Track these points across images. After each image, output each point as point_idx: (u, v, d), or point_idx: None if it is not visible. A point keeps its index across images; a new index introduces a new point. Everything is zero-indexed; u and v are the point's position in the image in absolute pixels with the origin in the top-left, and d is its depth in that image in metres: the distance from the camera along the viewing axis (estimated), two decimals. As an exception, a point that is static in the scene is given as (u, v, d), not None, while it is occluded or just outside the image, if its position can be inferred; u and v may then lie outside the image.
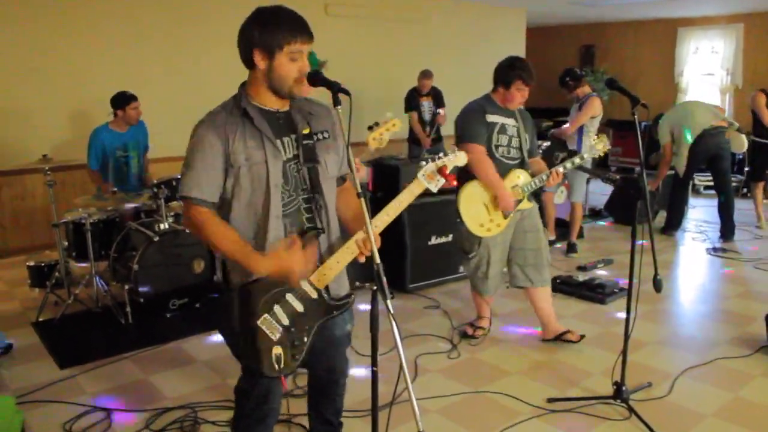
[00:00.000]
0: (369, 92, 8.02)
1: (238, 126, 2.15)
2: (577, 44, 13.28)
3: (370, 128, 4.36)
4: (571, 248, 6.43)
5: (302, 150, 2.24)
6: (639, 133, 3.21)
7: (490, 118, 3.94)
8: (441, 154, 2.24)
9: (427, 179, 2.21)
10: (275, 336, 2.17)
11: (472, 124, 3.95)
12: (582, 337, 4.18)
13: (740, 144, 7.04)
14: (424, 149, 8.02)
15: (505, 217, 3.95)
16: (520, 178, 3.98)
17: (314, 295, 2.23)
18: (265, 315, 2.16)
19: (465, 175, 3.94)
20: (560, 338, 4.22)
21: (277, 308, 2.18)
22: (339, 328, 2.44)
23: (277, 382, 2.34)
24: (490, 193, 3.92)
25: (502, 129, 3.96)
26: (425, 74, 7.94)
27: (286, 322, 2.18)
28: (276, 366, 2.18)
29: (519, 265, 4.16)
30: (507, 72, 3.93)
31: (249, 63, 2.18)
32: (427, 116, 8.11)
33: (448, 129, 8.38)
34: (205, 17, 7.48)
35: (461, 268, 4.33)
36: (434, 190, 2.24)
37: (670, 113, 7.11)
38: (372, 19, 9.13)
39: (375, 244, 2.05)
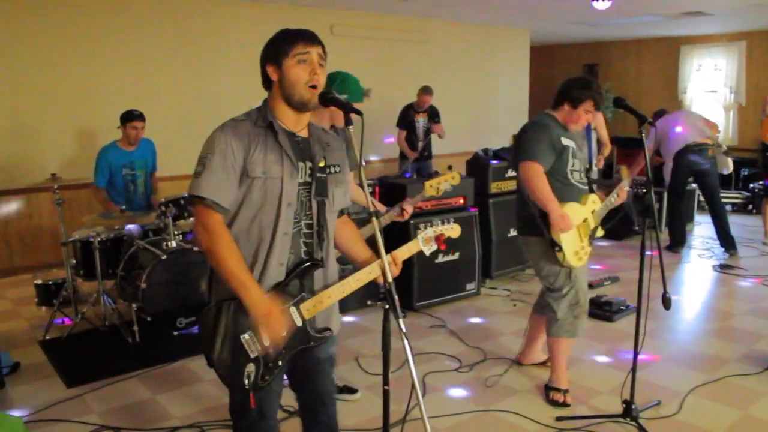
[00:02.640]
0: (373, 111, 8.01)
1: (261, 137, 2.15)
2: (581, 63, 13.35)
3: (430, 175, 4.38)
4: None
5: (315, 183, 2.23)
6: (646, 151, 3.22)
7: (565, 141, 3.58)
8: (438, 222, 2.37)
9: (423, 242, 2.38)
10: (253, 354, 2.16)
11: (539, 144, 3.53)
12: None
13: (725, 164, 7.09)
14: (409, 162, 8.04)
15: (590, 244, 3.63)
16: (596, 203, 3.66)
17: (299, 323, 2.22)
18: (250, 332, 2.16)
19: (529, 204, 3.63)
20: (543, 365, 4.14)
21: (262, 330, 2.17)
22: (322, 351, 2.40)
23: (270, 398, 2.32)
24: (580, 216, 3.58)
25: (574, 153, 3.62)
26: (426, 90, 7.92)
27: (267, 343, 2.17)
28: (245, 381, 2.17)
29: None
30: (580, 91, 3.57)
31: (266, 83, 2.21)
32: (420, 133, 8.07)
33: (438, 148, 8.46)
34: (213, 36, 7.55)
35: (555, 310, 3.71)
36: (426, 253, 2.41)
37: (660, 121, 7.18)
38: (377, 40, 9.20)
39: (388, 267, 2.06)
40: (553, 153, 3.53)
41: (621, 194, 3.68)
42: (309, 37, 2.17)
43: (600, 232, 3.72)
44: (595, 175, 5.82)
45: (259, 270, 2.17)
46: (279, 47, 2.15)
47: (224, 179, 2.11)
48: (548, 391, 3.77)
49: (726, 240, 7.04)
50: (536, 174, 3.49)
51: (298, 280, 2.21)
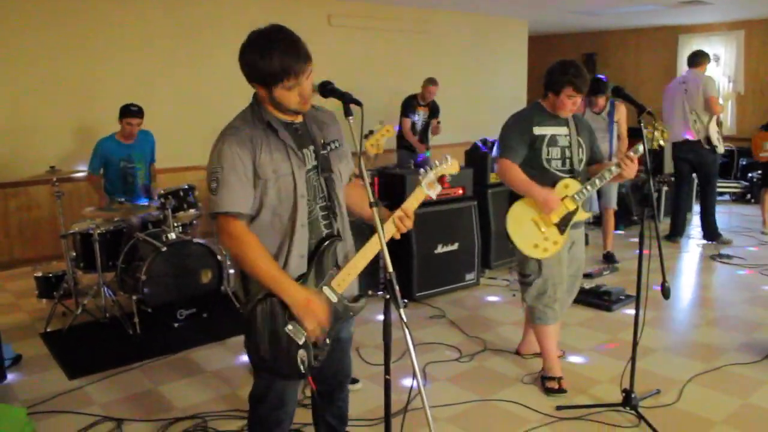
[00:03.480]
0: (372, 102, 7.97)
1: (263, 138, 2.18)
2: (579, 53, 13.30)
3: (366, 136, 4.39)
4: (610, 258, 6.38)
5: (320, 161, 2.29)
6: (645, 140, 3.22)
7: (538, 130, 3.60)
8: (436, 162, 2.36)
9: (427, 187, 2.35)
10: (301, 340, 2.24)
11: (510, 137, 3.64)
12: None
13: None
14: (418, 155, 7.95)
15: (562, 232, 3.58)
16: (568, 187, 3.58)
17: (334, 299, 2.29)
18: (293, 322, 2.23)
19: (515, 195, 3.68)
20: (538, 355, 4.08)
21: (306, 321, 2.24)
22: (344, 330, 2.51)
23: (292, 387, 2.40)
24: (537, 208, 3.57)
25: (552, 141, 3.61)
26: (433, 81, 7.81)
27: (318, 333, 2.26)
28: (302, 368, 2.26)
29: None
30: (558, 77, 3.55)
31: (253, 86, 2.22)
32: (420, 126, 7.99)
33: (437, 138, 8.43)
34: (212, 28, 7.52)
35: (524, 300, 3.82)
36: (433, 196, 2.38)
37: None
38: (374, 30, 9.18)
39: (387, 254, 2.07)
40: (524, 146, 3.61)
41: (627, 165, 3.39)
42: (299, 64, 2.09)
43: (582, 216, 3.64)
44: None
45: (282, 263, 2.23)
46: (266, 72, 2.08)
47: (239, 188, 2.15)
48: (543, 381, 3.80)
49: (705, 229, 7.12)
50: (508, 169, 3.62)
51: (322, 260, 2.28)
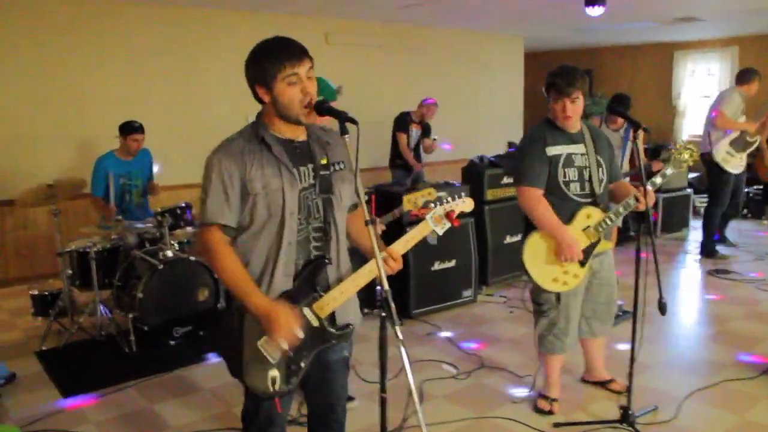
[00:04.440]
0: (368, 119, 7.99)
1: (256, 153, 2.17)
2: (575, 69, 13.39)
3: (408, 191, 4.28)
4: None
5: (319, 181, 2.25)
6: (640, 156, 3.23)
7: (551, 150, 3.33)
8: (449, 198, 2.26)
9: (434, 222, 2.27)
10: (274, 359, 2.19)
11: (526, 162, 3.37)
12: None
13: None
14: (414, 172, 7.93)
15: (583, 265, 3.37)
16: (590, 217, 3.36)
17: (315, 323, 2.24)
18: (266, 337, 2.18)
19: (531, 224, 3.44)
20: (603, 386, 3.93)
21: (272, 334, 2.19)
22: (335, 353, 2.42)
23: (283, 405, 2.35)
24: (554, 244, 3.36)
25: (568, 161, 3.34)
26: (436, 103, 7.80)
27: (285, 346, 2.19)
28: (271, 388, 2.20)
29: (585, 316, 3.65)
30: (545, 85, 3.34)
31: (257, 98, 2.22)
32: (412, 144, 7.92)
33: (434, 155, 8.43)
34: (209, 45, 7.56)
35: (535, 326, 3.65)
36: (440, 233, 2.29)
37: None
38: (371, 48, 9.23)
39: (384, 273, 2.07)
40: (544, 168, 3.35)
41: (649, 195, 3.23)
42: (295, 55, 2.13)
43: (606, 246, 3.46)
44: None
45: (267, 280, 2.21)
46: (265, 69, 2.12)
47: (223, 199, 2.16)
48: (537, 397, 3.77)
49: (701, 245, 7.14)
50: (532, 200, 3.36)
51: (308, 281, 2.24)
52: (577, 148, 3.39)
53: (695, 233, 8.30)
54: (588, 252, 3.38)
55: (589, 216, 3.36)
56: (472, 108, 10.68)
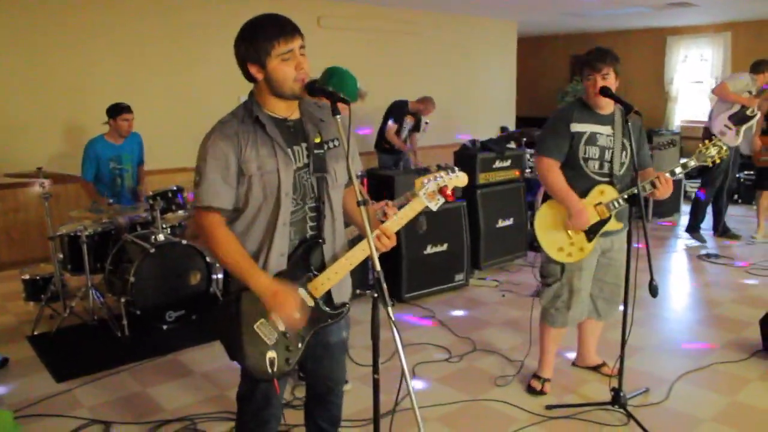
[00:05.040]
0: (359, 103, 8.00)
1: (250, 134, 2.16)
2: (568, 54, 13.38)
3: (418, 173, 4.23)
4: None
5: (313, 160, 2.24)
6: (632, 140, 3.23)
7: (576, 127, 3.42)
8: (442, 173, 2.23)
9: (428, 198, 2.24)
10: (271, 340, 2.21)
11: (548, 135, 3.51)
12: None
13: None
14: (404, 157, 7.96)
15: (590, 240, 3.44)
16: (604, 193, 3.42)
17: (311, 303, 2.25)
18: (263, 319, 2.20)
19: (547, 194, 3.55)
20: (595, 370, 3.99)
21: (274, 314, 2.20)
22: (334, 335, 2.45)
23: (279, 385, 2.36)
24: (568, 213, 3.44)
25: (591, 139, 3.42)
26: (433, 102, 7.87)
27: (282, 327, 2.21)
28: (269, 369, 2.21)
29: (592, 294, 3.69)
30: (580, 67, 3.47)
31: (249, 77, 2.20)
32: (404, 133, 7.93)
33: (427, 140, 8.45)
34: (201, 30, 7.50)
35: (540, 298, 3.72)
36: (434, 209, 2.27)
37: None
38: (364, 32, 9.18)
39: (376, 252, 2.06)
40: (565, 142, 3.43)
41: (663, 184, 3.28)
42: (288, 33, 2.12)
43: (615, 226, 3.46)
44: None
45: (261, 261, 2.22)
46: (258, 46, 2.11)
47: (219, 182, 2.15)
48: (531, 378, 3.81)
49: (689, 223, 7.28)
50: (548, 169, 3.46)
51: (302, 261, 2.24)
52: (604, 129, 3.45)
53: (687, 219, 8.33)
54: (596, 228, 3.43)
55: (602, 192, 3.43)
56: (465, 92, 10.66)
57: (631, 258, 3.30)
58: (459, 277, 5.63)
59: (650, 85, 12.12)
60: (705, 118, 7.05)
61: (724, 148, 3.41)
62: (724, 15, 10.56)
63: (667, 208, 8.32)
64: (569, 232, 3.45)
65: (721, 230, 7.40)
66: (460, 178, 2.28)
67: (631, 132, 3.26)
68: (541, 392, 3.70)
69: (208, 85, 7.41)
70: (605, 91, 3.34)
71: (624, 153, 3.45)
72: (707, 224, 7.44)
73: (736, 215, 8.39)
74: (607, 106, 3.45)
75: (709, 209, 7.29)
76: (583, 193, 3.43)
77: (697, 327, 4.78)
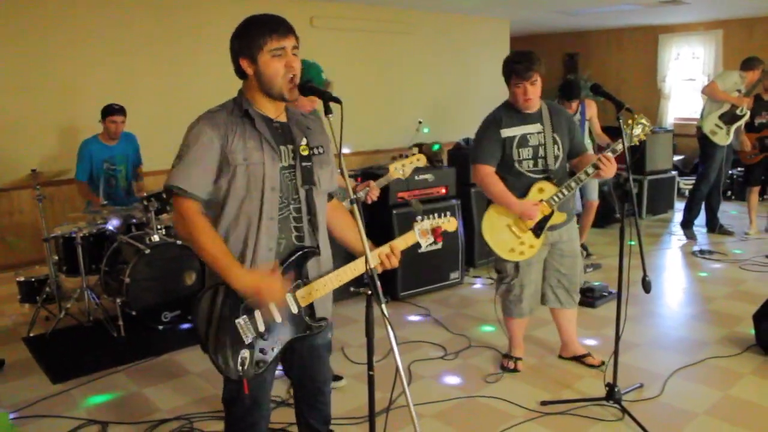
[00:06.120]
0: (354, 103, 8.02)
1: (238, 126, 2.16)
2: (561, 53, 13.41)
3: (394, 158, 4.30)
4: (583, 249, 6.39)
5: (301, 171, 2.23)
6: (624, 137, 3.25)
7: (506, 132, 3.57)
8: (435, 215, 2.42)
9: (420, 234, 2.39)
10: (247, 339, 2.18)
11: (481, 143, 3.66)
12: (602, 363, 3.91)
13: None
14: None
15: (537, 236, 3.61)
16: (543, 191, 3.58)
17: (294, 310, 2.24)
18: (245, 316, 2.17)
19: (489, 199, 3.73)
20: (579, 360, 4.06)
21: (257, 313, 2.19)
22: (320, 337, 2.43)
23: (265, 389, 2.34)
24: (512, 214, 3.61)
25: (522, 141, 3.57)
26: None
27: (261, 328, 2.19)
28: (239, 369, 2.18)
29: (551, 286, 3.88)
30: (504, 71, 3.59)
31: (241, 73, 2.21)
32: None
33: (420, 137, 8.44)
34: (196, 31, 7.49)
35: (497, 288, 3.94)
36: (423, 246, 2.43)
37: None
38: (357, 32, 9.18)
39: (370, 253, 2.08)
40: (497, 147, 3.60)
41: (606, 165, 3.38)
42: (282, 31, 2.14)
43: (559, 218, 3.63)
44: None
45: (249, 256, 2.19)
46: (251, 40, 2.12)
47: (198, 168, 2.13)
48: (503, 357, 4.08)
49: (683, 218, 7.32)
50: (485, 175, 3.62)
51: (295, 268, 2.23)
52: (533, 128, 3.60)
53: (680, 215, 8.37)
54: (542, 223, 3.61)
55: (541, 190, 3.59)
56: (458, 91, 10.66)
57: (624, 254, 3.32)
58: (454, 275, 5.65)
59: (643, 82, 12.16)
60: (698, 116, 7.08)
61: (648, 125, 3.52)
62: (715, 13, 10.59)
63: (660, 205, 8.37)
64: (516, 232, 3.64)
65: (715, 227, 7.43)
66: (451, 223, 2.45)
67: (557, 126, 3.53)
68: (515, 370, 3.95)
69: (203, 87, 7.39)
70: (596, 89, 3.38)
71: (556, 147, 3.61)
72: (700, 221, 7.47)
73: (729, 211, 8.43)
74: (534, 105, 3.59)
75: (703, 206, 7.33)
76: (523, 194, 3.59)
77: (691, 322, 4.80)
